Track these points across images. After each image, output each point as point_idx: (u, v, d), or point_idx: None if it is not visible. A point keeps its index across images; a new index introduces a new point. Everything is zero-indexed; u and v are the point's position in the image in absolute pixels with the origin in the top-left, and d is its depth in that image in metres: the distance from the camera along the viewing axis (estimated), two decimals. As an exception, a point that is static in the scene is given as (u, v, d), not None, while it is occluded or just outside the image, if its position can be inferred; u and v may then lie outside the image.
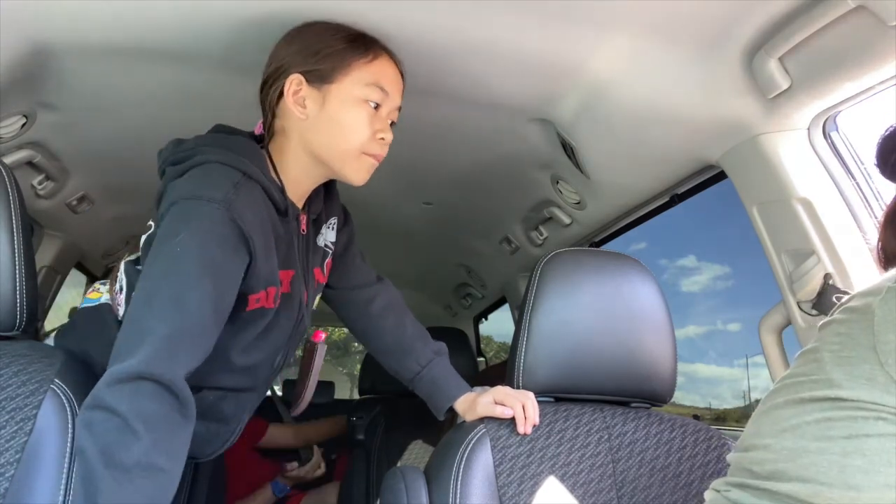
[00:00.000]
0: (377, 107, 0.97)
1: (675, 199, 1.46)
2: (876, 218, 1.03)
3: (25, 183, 1.53)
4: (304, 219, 1.03)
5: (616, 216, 1.59)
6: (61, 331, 1.06)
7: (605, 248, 1.78)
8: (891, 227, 0.72)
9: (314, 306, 1.13)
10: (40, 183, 1.57)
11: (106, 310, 1.01)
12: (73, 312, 1.07)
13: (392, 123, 1.01)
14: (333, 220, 1.15)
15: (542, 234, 1.85)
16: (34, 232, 1.82)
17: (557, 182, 1.56)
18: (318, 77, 0.95)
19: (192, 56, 1.13)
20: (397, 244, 2.36)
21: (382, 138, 0.97)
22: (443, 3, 0.96)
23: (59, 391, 0.87)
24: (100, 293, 1.04)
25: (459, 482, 0.96)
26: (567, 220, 1.68)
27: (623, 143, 1.26)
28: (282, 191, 0.97)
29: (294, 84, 0.94)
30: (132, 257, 1.02)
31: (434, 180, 1.72)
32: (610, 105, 1.16)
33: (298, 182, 1.00)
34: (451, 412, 1.13)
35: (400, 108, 1.02)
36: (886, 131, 0.71)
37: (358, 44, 0.96)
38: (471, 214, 1.96)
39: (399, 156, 1.55)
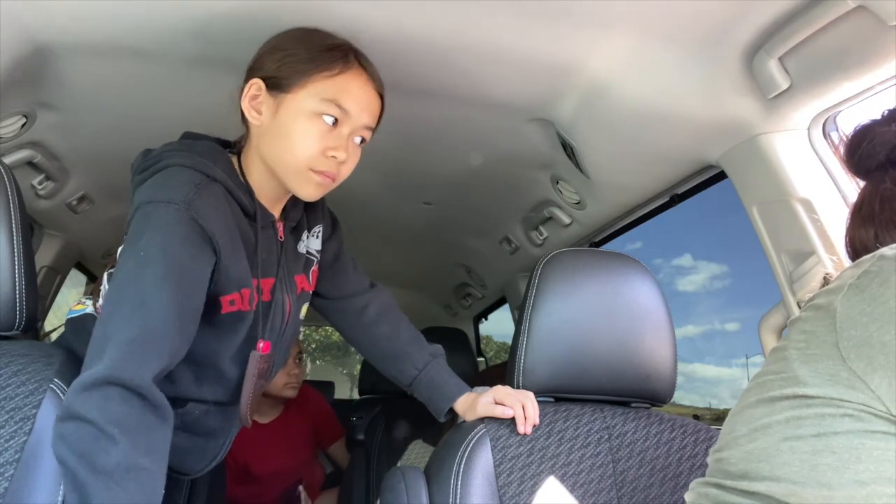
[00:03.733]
0: (335, 123, 0.92)
1: (675, 199, 1.46)
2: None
3: (25, 183, 1.53)
4: (280, 226, 1.02)
5: (616, 216, 1.59)
6: (58, 341, 1.06)
7: (604, 248, 1.78)
8: (858, 221, 0.73)
9: (302, 315, 1.12)
10: (40, 183, 1.57)
11: (90, 320, 1.01)
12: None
13: (362, 141, 0.97)
14: (317, 229, 1.13)
15: (542, 234, 1.85)
16: (34, 232, 1.82)
17: (557, 182, 1.56)
18: (276, 85, 0.92)
19: (192, 56, 1.13)
20: (397, 244, 2.36)
21: (334, 156, 0.92)
22: (443, 3, 0.96)
23: (58, 391, 0.87)
24: (84, 305, 1.04)
25: (459, 482, 0.96)
26: (567, 220, 1.68)
27: (623, 143, 1.26)
28: (250, 194, 0.96)
29: (253, 89, 0.93)
30: (112, 269, 1.00)
31: (434, 180, 1.72)
32: (610, 105, 1.16)
33: (262, 188, 0.98)
34: (452, 413, 1.13)
35: (374, 129, 0.98)
36: (856, 128, 0.72)
37: (325, 55, 0.92)
38: (471, 214, 1.96)
39: (399, 156, 1.56)
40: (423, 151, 1.53)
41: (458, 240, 2.22)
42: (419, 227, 2.13)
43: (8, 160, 1.37)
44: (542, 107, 1.26)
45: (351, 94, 0.92)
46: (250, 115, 0.94)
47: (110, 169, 1.65)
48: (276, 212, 1.02)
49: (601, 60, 1.07)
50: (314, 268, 1.12)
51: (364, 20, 1.00)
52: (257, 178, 0.98)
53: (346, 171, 0.96)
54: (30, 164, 1.46)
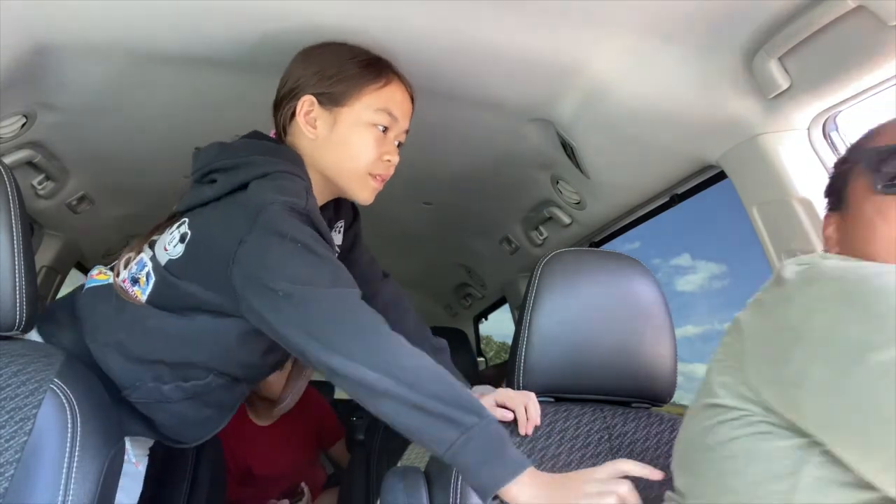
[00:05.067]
0: (385, 130, 1.00)
1: (675, 199, 1.46)
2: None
3: (25, 183, 1.53)
4: None
5: (616, 216, 1.59)
6: (62, 302, 1.06)
7: (605, 248, 1.78)
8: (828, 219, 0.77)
9: None
10: (40, 183, 1.57)
11: (109, 292, 1.00)
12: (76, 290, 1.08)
13: (399, 144, 1.05)
14: (340, 224, 1.18)
15: (542, 234, 1.85)
16: (34, 232, 1.82)
17: (557, 182, 1.56)
18: (331, 99, 0.99)
19: (192, 56, 1.13)
20: (397, 244, 2.36)
21: (388, 160, 1.01)
22: (443, 3, 0.96)
23: (58, 391, 0.87)
24: (107, 276, 1.05)
25: (460, 482, 0.96)
26: (567, 220, 1.68)
27: (623, 143, 1.26)
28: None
29: (306, 105, 0.99)
30: (152, 252, 1.01)
31: (434, 180, 1.72)
32: (610, 105, 1.16)
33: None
34: None
35: (408, 131, 1.06)
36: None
37: (371, 69, 1.00)
38: (471, 214, 1.96)
39: (399, 156, 1.56)
40: (423, 151, 1.53)
41: (458, 240, 2.22)
42: (419, 227, 2.13)
43: (8, 160, 1.37)
44: (542, 107, 1.26)
45: (397, 102, 1.01)
46: (307, 130, 0.99)
47: (110, 169, 1.65)
48: None
49: (601, 60, 1.07)
50: None
51: (364, 20, 1.00)
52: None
53: (392, 172, 1.05)
54: (30, 164, 1.46)
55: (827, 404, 0.55)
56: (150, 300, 0.97)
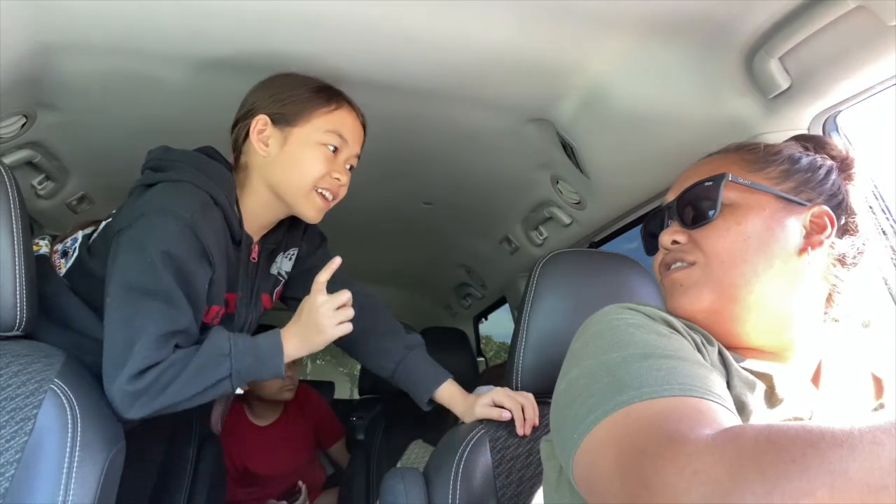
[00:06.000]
0: (335, 151, 1.05)
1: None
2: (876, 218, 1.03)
3: (25, 183, 1.52)
4: (255, 248, 1.11)
5: (616, 216, 1.59)
6: None
7: (604, 248, 1.77)
8: None
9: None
10: (40, 183, 1.57)
11: (42, 261, 1.07)
12: None
13: (351, 168, 1.10)
14: (293, 251, 1.22)
15: (542, 234, 1.85)
16: (34, 232, 1.82)
17: (557, 182, 1.56)
18: (283, 119, 1.04)
19: (192, 56, 1.13)
20: (397, 244, 2.36)
21: (337, 178, 1.06)
22: (443, 3, 0.96)
23: (58, 391, 0.87)
24: (39, 246, 1.11)
25: (459, 483, 0.96)
26: (567, 220, 1.68)
27: (623, 143, 1.26)
28: (239, 222, 1.05)
29: (260, 124, 1.04)
30: (88, 231, 1.09)
31: (434, 180, 1.72)
32: (610, 105, 1.16)
33: (256, 215, 1.08)
34: (434, 402, 1.17)
35: (359, 156, 1.11)
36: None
37: (322, 94, 1.06)
38: (471, 214, 1.96)
39: (399, 156, 1.56)
40: (424, 151, 1.53)
41: (458, 240, 2.22)
42: (419, 227, 2.13)
43: (8, 160, 1.37)
44: (541, 107, 1.26)
45: (347, 126, 1.07)
46: (259, 148, 1.04)
47: (110, 169, 1.65)
48: (257, 235, 1.11)
49: (601, 60, 1.07)
50: (279, 288, 1.21)
51: (365, 20, 1.00)
52: (253, 206, 1.07)
53: (342, 194, 1.09)
54: (30, 164, 1.46)
55: None
56: (68, 274, 1.04)
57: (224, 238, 1.02)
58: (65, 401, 0.87)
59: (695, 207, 0.72)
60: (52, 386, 0.87)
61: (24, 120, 1.30)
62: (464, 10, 0.97)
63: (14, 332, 0.94)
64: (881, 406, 0.70)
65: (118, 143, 1.50)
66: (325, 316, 1.01)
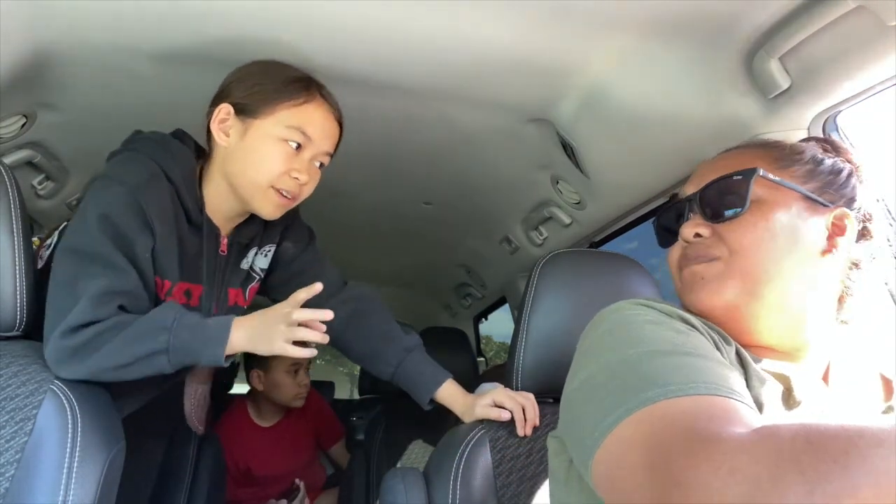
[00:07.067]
0: (298, 148, 1.00)
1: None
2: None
3: (25, 183, 1.53)
4: (224, 241, 1.08)
5: (616, 216, 1.59)
6: None
7: (604, 248, 1.77)
8: None
9: None
10: (40, 183, 1.57)
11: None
12: None
13: (321, 165, 1.05)
14: (269, 248, 1.18)
15: (542, 234, 1.85)
16: (34, 232, 1.82)
17: (557, 182, 1.56)
18: (245, 110, 1.00)
19: (192, 56, 1.13)
20: (397, 244, 2.35)
21: (297, 178, 1.00)
22: (443, 3, 0.96)
23: (58, 391, 0.87)
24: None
25: (459, 483, 0.96)
26: (567, 220, 1.68)
27: (623, 143, 1.26)
28: (199, 204, 1.03)
29: (222, 113, 1.02)
30: (66, 223, 1.08)
31: (434, 180, 1.72)
32: (610, 105, 1.16)
33: (217, 204, 1.05)
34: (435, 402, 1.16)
35: (332, 154, 1.06)
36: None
37: (292, 87, 1.00)
38: (471, 214, 1.96)
39: (399, 156, 1.56)
40: (424, 152, 1.53)
41: (458, 240, 2.22)
42: (419, 227, 2.13)
43: (8, 160, 1.37)
44: (541, 107, 1.26)
45: (314, 122, 1.01)
46: (218, 137, 1.01)
47: (110, 169, 1.65)
48: (226, 227, 1.09)
49: (601, 60, 1.07)
50: (254, 285, 1.18)
51: (364, 20, 1.00)
52: (214, 194, 1.05)
53: (306, 192, 1.04)
54: (30, 164, 1.46)
55: None
56: (45, 267, 1.01)
57: (173, 214, 0.99)
58: (65, 401, 0.87)
59: (721, 201, 0.70)
60: (51, 386, 0.87)
61: (24, 120, 1.30)
62: (464, 9, 0.97)
63: (14, 333, 0.94)
64: (890, 409, 0.70)
65: (118, 143, 1.50)
66: (279, 326, 0.92)
